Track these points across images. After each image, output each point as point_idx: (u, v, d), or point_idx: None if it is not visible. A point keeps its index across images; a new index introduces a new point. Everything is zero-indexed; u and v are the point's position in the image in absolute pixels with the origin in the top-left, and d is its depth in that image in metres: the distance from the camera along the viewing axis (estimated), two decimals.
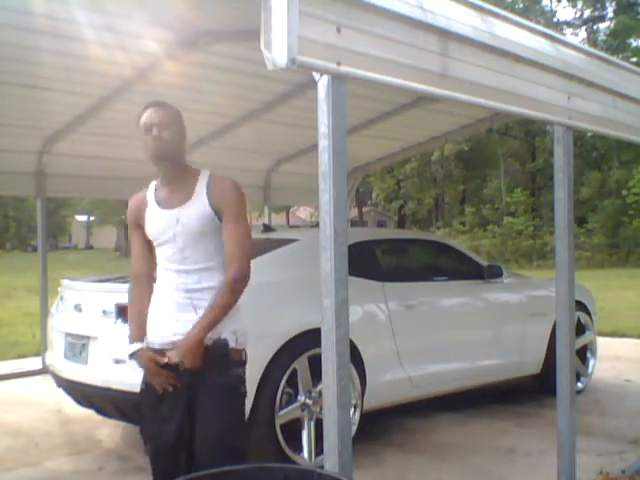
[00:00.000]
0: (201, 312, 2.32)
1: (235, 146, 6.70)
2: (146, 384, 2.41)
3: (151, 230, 2.43)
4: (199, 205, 2.35)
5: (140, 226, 2.49)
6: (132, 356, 2.42)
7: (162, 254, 2.43)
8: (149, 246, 2.50)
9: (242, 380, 2.39)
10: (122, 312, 3.80)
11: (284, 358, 3.74)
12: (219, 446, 2.26)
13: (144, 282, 2.50)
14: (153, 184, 2.52)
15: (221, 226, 2.36)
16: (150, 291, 2.48)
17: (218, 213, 2.35)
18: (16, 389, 6.12)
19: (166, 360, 2.31)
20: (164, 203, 2.42)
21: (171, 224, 2.37)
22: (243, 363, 2.41)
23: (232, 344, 2.35)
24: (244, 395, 2.41)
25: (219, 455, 2.24)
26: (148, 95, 5.15)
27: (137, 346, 2.41)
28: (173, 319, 2.36)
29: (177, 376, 2.31)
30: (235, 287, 2.31)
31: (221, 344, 2.32)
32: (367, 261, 4.54)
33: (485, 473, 3.84)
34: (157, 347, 2.38)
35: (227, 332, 2.34)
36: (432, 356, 4.65)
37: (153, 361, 2.35)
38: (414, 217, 41.94)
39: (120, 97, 5.22)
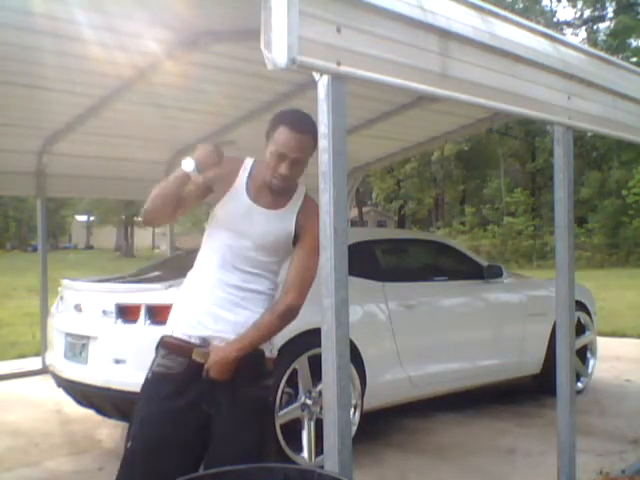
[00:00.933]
0: (240, 312, 2.20)
1: (235, 146, 6.69)
2: (153, 372, 2.26)
3: (227, 212, 2.24)
4: (287, 218, 2.25)
5: (212, 185, 2.24)
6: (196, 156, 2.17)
7: (221, 241, 2.24)
8: (199, 196, 2.27)
9: (271, 390, 2.33)
10: (122, 312, 3.81)
11: (284, 358, 3.74)
12: (249, 461, 2.08)
13: (170, 204, 2.21)
14: (250, 162, 2.33)
15: (290, 247, 2.26)
16: (172, 213, 2.24)
17: (297, 233, 2.24)
18: (16, 389, 6.12)
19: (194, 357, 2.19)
20: (254, 193, 2.24)
21: (252, 219, 2.22)
22: (272, 373, 2.33)
23: (267, 353, 2.26)
24: (273, 404, 2.31)
25: None
26: (148, 95, 5.21)
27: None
28: (210, 314, 2.21)
29: (197, 375, 2.18)
30: (287, 315, 2.20)
31: (258, 355, 2.21)
32: (367, 261, 4.54)
33: (485, 473, 3.84)
34: (185, 338, 2.22)
35: (265, 342, 2.25)
36: (432, 356, 4.65)
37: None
38: (414, 217, 41.94)
39: (120, 97, 5.22)
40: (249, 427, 2.19)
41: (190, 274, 2.35)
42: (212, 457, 2.19)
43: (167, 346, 2.25)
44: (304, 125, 2.18)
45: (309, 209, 2.25)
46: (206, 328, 2.21)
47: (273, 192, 2.24)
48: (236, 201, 2.24)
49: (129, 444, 2.22)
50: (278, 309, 2.20)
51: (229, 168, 2.27)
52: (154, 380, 2.24)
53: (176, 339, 2.24)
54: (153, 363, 2.27)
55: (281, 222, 2.25)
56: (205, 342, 2.20)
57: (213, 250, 2.27)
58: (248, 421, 2.19)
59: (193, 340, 2.22)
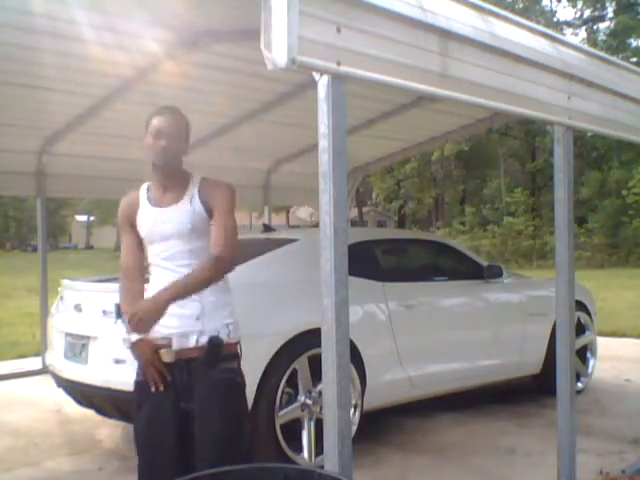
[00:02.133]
0: (192, 305, 2.37)
1: (235, 146, 6.70)
2: (135, 382, 2.46)
3: (143, 228, 2.47)
4: (191, 203, 2.43)
5: (131, 225, 2.52)
6: (133, 345, 2.41)
7: (154, 251, 2.46)
8: (139, 244, 2.53)
9: (237, 372, 2.44)
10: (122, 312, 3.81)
11: (284, 358, 3.74)
12: (221, 446, 2.32)
13: (135, 278, 2.50)
14: (146, 185, 2.56)
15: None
16: (142, 287, 2.49)
17: (209, 211, 2.42)
18: (16, 389, 6.12)
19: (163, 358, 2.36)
20: (155, 201, 2.47)
21: (162, 221, 2.43)
22: (237, 356, 2.46)
23: (225, 338, 2.40)
24: (242, 386, 2.45)
25: (221, 455, 2.29)
26: (148, 95, 5.20)
27: (137, 336, 2.39)
28: (168, 314, 2.35)
29: (169, 374, 2.38)
30: (217, 265, 2.35)
31: (217, 343, 2.37)
32: (367, 261, 4.54)
33: (485, 473, 3.84)
34: (156, 344, 2.40)
35: (221, 327, 2.40)
36: (432, 356, 4.65)
37: (155, 352, 2.36)
38: (414, 217, 41.93)
39: (120, 97, 5.22)
40: (216, 412, 2.34)
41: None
42: (195, 448, 2.35)
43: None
44: (167, 108, 2.47)
45: (210, 186, 2.47)
46: (165, 327, 2.37)
47: (162, 174, 2.45)
48: (145, 216, 2.47)
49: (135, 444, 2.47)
50: (208, 260, 2.36)
51: (133, 203, 2.53)
52: (137, 389, 2.47)
53: None
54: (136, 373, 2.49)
55: (187, 208, 2.42)
56: (168, 341, 2.38)
57: (153, 265, 2.47)
58: (215, 406, 2.35)
59: (159, 343, 2.39)
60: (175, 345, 2.36)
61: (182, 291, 2.32)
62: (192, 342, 2.36)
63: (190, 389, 2.36)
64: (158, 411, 2.38)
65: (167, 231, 2.42)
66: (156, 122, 2.42)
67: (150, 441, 2.40)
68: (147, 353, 2.37)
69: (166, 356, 2.36)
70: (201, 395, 2.35)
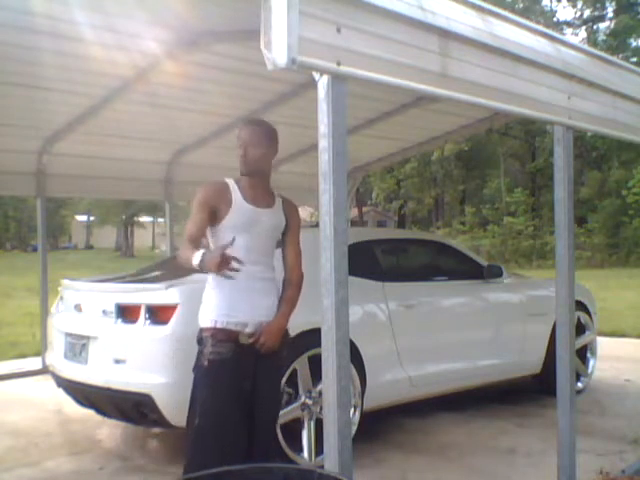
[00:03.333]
0: (268, 298, 2.74)
1: (235, 146, 6.70)
2: (209, 360, 2.64)
3: (236, 219, 2.71)
4: (279, 212, 2.83)
5: (212, 207, 2.70)
6: (203, 256, 2.49)
7: (240, 242, 2.64)
8: (207, 227, 2.73)
9: (285, 359, 3.01)
10: (122, 312, 3.81)
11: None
12: (274, 419, 2.90)
13: (197, 246, 2.65)
14: (232, 180, 2.80)
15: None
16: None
17: (287, 222, 2.84)
18: (16, 389, 6.12)
19: (251, 340, 2.66)
20: (251, 199, 2.75)
21: (258, 219, 2.73)
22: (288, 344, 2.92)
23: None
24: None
25: (273, 432, 2.93)
26: (148, 95, 5.21)
27: (201, 251, 2.52)
28: (248, 303, 2.68)
29: (239, 354, 2.65)
30: (300, 284, 2.84)
31: (287, 335, 2.83)
32: (367, 261, 4.54)
33: (485, 473, 3.84)
34: (230, 327, 2.65)
35: None
36: (432, 356, 4.65)
37: (219, 251, 2.48)
38: (414, 217, 41.92)
39: (120, 97, 5.22)
40: (276, 393, 2.89)
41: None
42: (256, 421, 2.73)
43: (215, 336, 2.66)
44: (248, 120, 2.82)
45: (290, 204, 2.92)
46: (245, 314, 2.67)
47: (254, 177, 2.78)
48: (240, 210, 2.72)
49: (197, 421, 2.63)
50: (295, 282, 2.82)
51: (222, 192, 2.75)
52: (213, 367, 2.65)
53: (221, 329, 2.66)
54: (203, 353, 2.67)
55: (277, 215, 2.83)
56: (244, 326, 2.66)
57: (236, 251, 2.60)
58: (276, 389, 2.86)
59: (235, 327, 2.65)
60: (250, 329, 2.67)
61: (290, 316, 2.79)
62: None
63: (251, 370, 2.68)
64: (228, 389, 2.62)
65: (258, 229, 2.73)
66: (237, 133, 2.80)
67: (221, 418, 2.61)
68: (216, 256, 2.46)
69: (244, 339, 2.65)
70: (269, 378, 2.75)
